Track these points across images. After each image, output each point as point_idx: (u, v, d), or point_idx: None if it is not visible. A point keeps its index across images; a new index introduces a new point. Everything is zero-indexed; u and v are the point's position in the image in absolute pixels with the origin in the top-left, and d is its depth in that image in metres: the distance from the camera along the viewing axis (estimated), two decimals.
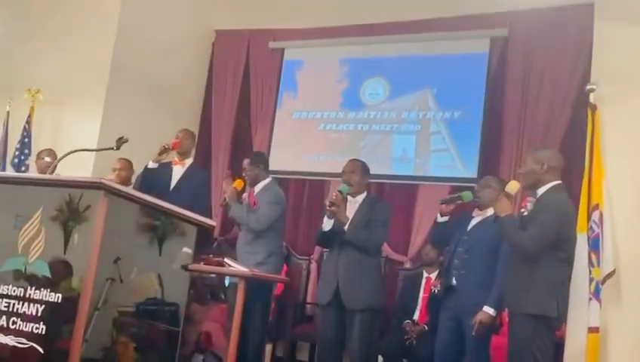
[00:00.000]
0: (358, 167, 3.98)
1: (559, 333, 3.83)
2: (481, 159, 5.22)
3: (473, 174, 5.10)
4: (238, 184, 4.14)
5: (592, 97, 4.11)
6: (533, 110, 5.09)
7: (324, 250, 4.40)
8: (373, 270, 3.90)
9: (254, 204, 4.12)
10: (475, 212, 3.80)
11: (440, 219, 3.81)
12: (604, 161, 4.03)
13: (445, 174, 5.36)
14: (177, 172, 4.42)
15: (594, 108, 4.07)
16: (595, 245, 3.84)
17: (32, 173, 5.12)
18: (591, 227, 3.87)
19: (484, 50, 5.40)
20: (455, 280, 3.68)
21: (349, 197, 3.92)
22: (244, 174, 4.23)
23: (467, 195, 3.75)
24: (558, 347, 3.80)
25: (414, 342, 4.35)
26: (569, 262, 3.10)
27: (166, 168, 4.41)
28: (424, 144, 5.49)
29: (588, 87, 4.19)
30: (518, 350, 3.02)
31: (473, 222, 3.75)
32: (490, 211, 3.70)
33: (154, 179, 4.33)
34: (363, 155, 5.31)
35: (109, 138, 3.95)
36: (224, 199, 4.07)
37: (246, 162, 4.28)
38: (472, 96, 5.36)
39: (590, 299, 3.73)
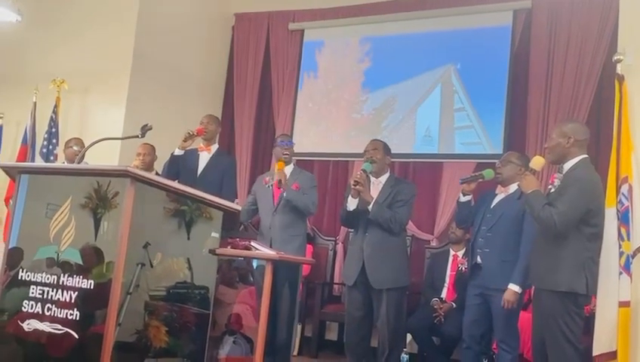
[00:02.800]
0: (380, 146, 3.98)
1: (588, 308, 3.81)
2: (506, 134, 5.15)
3: (499, 150, 5.04)
4: (281, 165, 4.16)
5: (619, 68, 4.02)
6: (558, 83, 5.00)
7: (350, 230, 4.42)
8: (399, 249, 3.91)
9: (297, 187, 4.17)
10: (498, 189, 3.78)
11: (462, 199, 3.80)
12: (633, 132, 3.94)
13: (470, 151, 5.31)
14: (204, 158, 4.44)
15: (621, 79, 3.98)
16: (624, 218, 3.78)
17: (61, 161, 5.22)
18: (620, 200, 3.81)
19: (507, 24, 5.30)
20: (480, 258, 3.69)
21: (373, 178, 3.93)
22: (285, 152, 4.25)
23: (488, 173, 3.73)
24: (589, 322, 3.78)
25: (442, 320, 4.37)
26: (599, 237, 3.05)
27: (193, 155, 4.44)
28: (448, 121, 5.44)
29: (615, 57, 4.09)
30: (547, 327, 3.00)
31: (496, 200, 3.73)
32: (512, 188, 3.68)
33: (181, 166, 4.37)
34: (386, 135, 5.31)
35: (134, 124, 4.00)
36: (279, 181, 4.07)
37: (287, 139, 4.38)
38: (495, 71, 5.28)
39: (621, 273, 3.68)
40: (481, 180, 3.76)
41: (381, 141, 4.08)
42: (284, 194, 4.11)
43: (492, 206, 3.73)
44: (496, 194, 3.77)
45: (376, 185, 3.93)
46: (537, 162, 3.19)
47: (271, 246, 4.02)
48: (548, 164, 3.29)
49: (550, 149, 3.18)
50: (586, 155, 3.12)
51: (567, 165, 3.09)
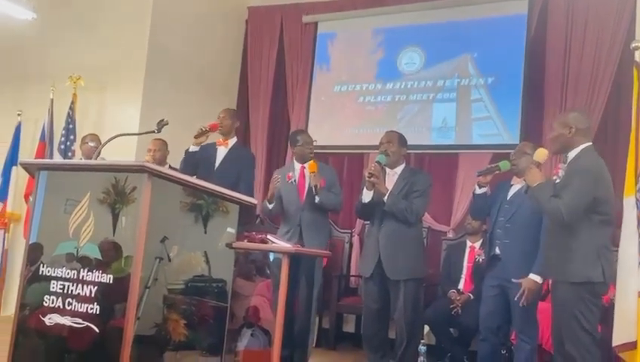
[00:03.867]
0: (395, 137, 3.97)
1: (608, 298, 3.78)
2: (523, 124, 5.11)
3: (517, 141, 4.99)
4: (314, 168, 4.13)
5: (637, 55, 3.96)
6: (575, 71, 4.96)
7: (366, 223, 4.43)
8: (415, 240, 3.91)
9: (323, 182, 4.15)
10: (514, 180, 3.76)
11: (478, 191, 3.78)
12: None
13: (489, 143, 5.27)
14: (221, 152, 4.42)
15: (639, 66, 3.93)
16: None
17: (78, 157, 5.27)
18: (639, 189, 3.76)
19: (523, 12, 5.25)
20: (499, 249, 3.67)
21: (388, 170, 3.92)
22: (310, 152, 4.25)
23: (505, 165, 3.71)
24: (608, 312, 3.75)
25: (460, 311, 4.36)
26: (610, 224, 3.01)
27: (211, 149, 4.45)
28: (465, 112, 5.40)
29: (633, 44, 4.04)
30: (563, 317, 2.98)
31: (513, 191, 3.72)
32: None
33: (199, 161, 4.38)
34: (401, 126, 5.28)
35: (150, 119, 4.02)
36: (316, 186, 4.06)
37: (309, 137, 4.36)
38: (512, 60, 5.23)
39: None
40: (497, 172, 3.74)
41: (396, 132, 4.07)
42: (317, 199, 4.09)
43: (509, 197, 3.71)
44: (512, 185, 3.75)
45: (392, 177, 3.92)
46: (541, 154, 3.16)
47: (302, 242, 4.05)
48: (552, 154, 3.25)
49: (553, 140, 3.15)
50: (590, 143, 3.08)
51: (571, 154, 3.06)
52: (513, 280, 3.53)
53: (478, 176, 3.77)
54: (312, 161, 4.17)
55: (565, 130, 3.06)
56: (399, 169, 3.95)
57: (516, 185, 3.71)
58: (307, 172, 4.22)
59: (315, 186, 4.06)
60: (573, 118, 3.09)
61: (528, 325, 3.60)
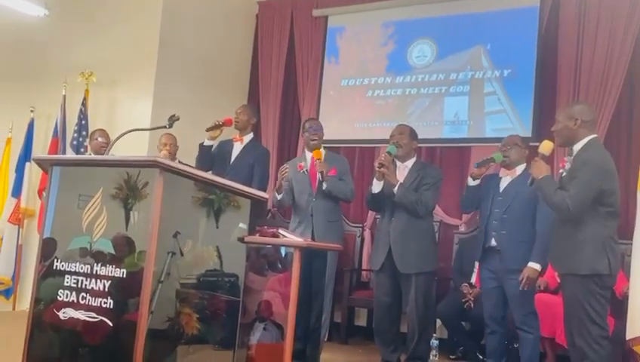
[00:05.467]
0: (407, 130, 3.99)
1: (621, 291, 3.76)
2: (536, 118, 5.07)
3: (530, 134, 4.95)
4: (319, 154, 4.10)
5: None
6: (588, 63, 4.89)
7: (377, 216, 4.42)
8: (426, 234, 3.90)
9: (334, 172, 4.11)
10: (502, 172, 3.81)
11: (472, 183, 3.84)
12: None
13: (502, 136, 5.22)
14: (237, 148, 4.43)
15: None
16: None
17: (89, 154, 5.30)
18: None
19: (535, 5, 5.20)
20: (495, 241, 3.71)
21: (399, 163, 3.92)
22: (313, 137, 4.20)
23: (498, 157, 3.79)
24: (622, 305, 3.73)
25: (472, 305, 4.35)
26: (616, 216, 2.99)
27: (228, 145, 4.46)
28: (478, 105, 5.35)
29: None
30: (572, 310, 2.97)
31: (504, 183, 3.78)
32: (519, 170, 3.74)
33: (216, 156, 4.38)
34: (412, 120, 5.25)
35: (162, 114, 4.02)
36: (321, 173, 4.02)
37: (316, 124, 4.30)
38: (525, 54, 5.17)
39: None
40: (492, 164, 3.82)
41: (407, 126, 4.08)
42: (324, 186, 4.04)
43: (501, 189, 3.76)
44: (501, 178, 3.79)
45: (402, 170, 3.92)
46: (546, 146, 3.15)
47: (313, 233, 4.04)
48: (557, 147, 3.24)
49: (557, 133, 3.12)
50: (595, 135, 3.06)
51: (577, 147, 3.03)
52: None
53: (476, 167, 3.84)
54: (316, 149, 4.14)
55: (570, 123, 3.04)
56: (410, 162, 3.95)
57: (507, 178, 3.77)
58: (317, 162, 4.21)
59: (322, 173, 4.01)
60: (579, 110, 3.07)
61: (528, 316, 3.66)
